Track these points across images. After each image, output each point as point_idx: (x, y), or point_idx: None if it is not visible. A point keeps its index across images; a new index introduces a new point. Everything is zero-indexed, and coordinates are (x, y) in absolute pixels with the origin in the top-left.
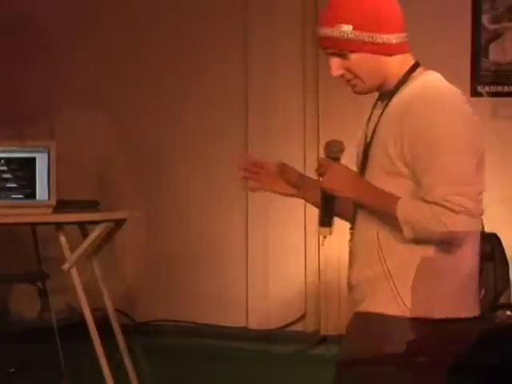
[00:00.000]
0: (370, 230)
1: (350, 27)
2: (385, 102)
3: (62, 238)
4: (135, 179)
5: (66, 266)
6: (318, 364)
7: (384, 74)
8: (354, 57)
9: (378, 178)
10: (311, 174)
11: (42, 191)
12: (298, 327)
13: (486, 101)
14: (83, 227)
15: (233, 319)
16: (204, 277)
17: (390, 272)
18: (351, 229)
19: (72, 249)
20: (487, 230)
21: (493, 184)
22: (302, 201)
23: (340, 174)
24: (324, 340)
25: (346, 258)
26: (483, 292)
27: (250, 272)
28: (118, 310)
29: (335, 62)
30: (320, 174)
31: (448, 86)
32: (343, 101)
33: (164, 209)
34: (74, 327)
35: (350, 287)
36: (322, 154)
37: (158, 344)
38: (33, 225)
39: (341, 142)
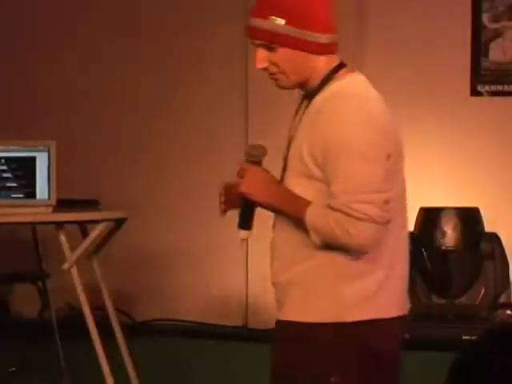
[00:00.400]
0: (287, 233)
1: (283, 21)
2: (307, 103)
3: (62, 238)
4: (135, 178)
5: (66, 266)
6: None
7: (309, 72)
8: (282, 51)
9: (295, 181)
10: None
11: (42, 190)
12: None
13: (486, 100)
14: (83, 226)
15: (232, 318)
16: (204, 276)
17: (302, 276)
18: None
19: (72, 248)
20: (487, 229)
21: (493, 184)
22: None
23: (256, 178)
24: None
25: None
26: (483, 291)
27: (250, 272)
28: (118, 310)
29: (262, 53)
30: (241, 178)
31: (365, 91)
32: None
33: (165, 208)
34: (74, 326)
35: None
36: None
37: (158, 343)
38: (33, 224)
39: (262, 146)
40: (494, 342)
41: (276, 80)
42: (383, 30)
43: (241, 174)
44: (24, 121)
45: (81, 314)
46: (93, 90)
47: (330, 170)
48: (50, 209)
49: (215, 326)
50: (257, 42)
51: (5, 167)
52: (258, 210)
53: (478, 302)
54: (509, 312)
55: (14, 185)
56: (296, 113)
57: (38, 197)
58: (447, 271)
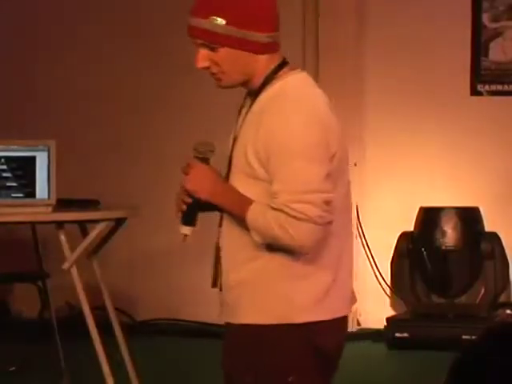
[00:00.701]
0: (234, 233)
1: (223, 21)
2: (250, 102)
3: (62, 237)
4: (135, 178)
5: (66, 265)
6: None
7: (251, 71)
8: (222, 51)
9: (239, 180)
10: None
11: (41, 190)
12: None
13: (486, 99)
14: (83, 226)
15: None
16: (204, 276)
17: (252, 278)
18: (220, 226)
19: (72, 248)
20: (487, 229)
21: (493, 184)
22: None
23: (201, 175)
24: None
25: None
26: (483, 291)
27: None
28: (117, 309)
29: (203, 53)
30: (186, 174)
31: (308, 90)
32: (342, 102)
33: (165, 208)
34: (73, 326)
35: (219, 288)
36: None
37: (158, 343)
38: (33, 224)
39: (211, 143)
40: (494, 341)
41: (218, 80)
42: (383, 30)
43: (186, 171)
44: (24, 120)
45: (81, 314)
46: (93, 90)
47: (273, 169)
48: (50, 208)
49: (215, 325)
50: (198, 41)
51: (5, 167)
52: None
53: (477, 302)
54: (509, 311)
55: (14, 184)
56: (240, 111)
57: (37, 196)
58: (447, 271)
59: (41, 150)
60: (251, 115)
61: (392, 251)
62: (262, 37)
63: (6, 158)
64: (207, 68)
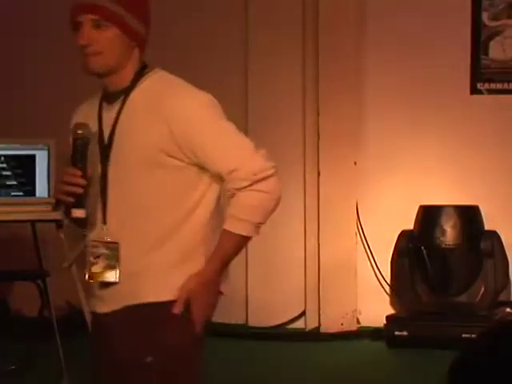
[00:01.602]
0: (134, 226)
1: (121, 5)
2: (121, 98)
3: (62, 236)
4: None
5: (66, 264)
6: (317, 362)
7: (124, 62)
8: (110, 32)
9: (139, 172)
10: (311, 173)
11: (41, 188)
12: (298, 324)
13: (485, 98)
14: None
15: (233, 316)
16: None
17: (154, 264)
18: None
19: (72, 246)
20: (487, 227)
21: (492, 182)
22: (302, 199)
23: (201, 300)
24: (324, 337)
25: (346, 256)
26: (483, 289)
27: (250, 269)
28: None
29: (89, 31)
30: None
31: (182, 80)
32: (342, 101)
33: None
34: (73, 325)
35: (108, 284)
36: (322, 153)
37: None
38: (33, 222)
39: (86, 124)
40: (495, 340)
41: (92, 62)
42: (383, 29)
43: (185, 303)
44: (24, 119)
45: (81, 313)
46: (93, 89)
47: (205, 157)
48: (50, 207)
49: (215, 323)
50: (87, 16)
51: (4, 165)
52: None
53: (477, 300)
54: (509, 310)
55: (14, 183)
56: (99, 114)
57: (37, 195)
58: (447, 269)
59: (41, 148)
60: (133, 111)
61: (392, 249)
62: (143, 31)
63: (6, 156)
64: (86, 47)
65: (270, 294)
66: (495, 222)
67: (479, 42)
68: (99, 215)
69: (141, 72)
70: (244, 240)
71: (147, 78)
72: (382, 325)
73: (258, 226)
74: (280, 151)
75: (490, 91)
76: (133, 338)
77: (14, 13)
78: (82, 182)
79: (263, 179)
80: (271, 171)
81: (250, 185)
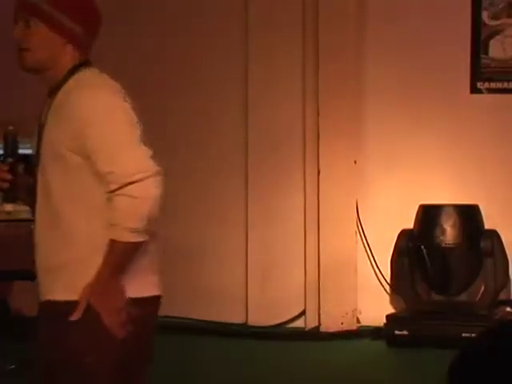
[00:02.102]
0: (50, 226)
1: (49, 2)
2: (54, 94)
3: None
4: None
5: None
6: (317, 361)
7: (56, 59)
8: (38, 29)
9: (52, 171)
10: (311, 172)
11: None
12: (298, 324)
13: (485, 97)
14: None
15: (233, 316)
16: (204, 273)
17: (70, 261)
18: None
19: None
20: (487, 226)
21: (492, 181)
22: (302, 198)
23: (106, 300)
24: (324, 336)
25: (346, 255)
26: (483, 288)
27: (250, 269)
28: None
29: (20, 27)
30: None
31: (106, 82)
32: (342, 100)
33: (164, 205)
34: None
35: (36, 274)
36: (322, 152)
37: (158, 340)
38: (33, 221)
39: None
40: (494, 339)
41: (22, 58)
42: (383, 28)
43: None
44: (23, 119)
45: None
46: None
47: (92, 155)
48: None
49: (215, 323)
50: (21, 14)
51: None
52: (255, 210)
53: (477, 299)
54: (509, 309)
55: None
56: (45, 104)
57: None
58: (447, 268)
59: None
60: (54, 107)
61: (392, 249)
62: (76, 29)
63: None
64: (19, 42)
65: (270, 293)
66: (495, 221)
67: (479, 41)
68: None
69: (73, 70)
70: (125, 245)
71: (75, 77)
72: (382, 324)
73: (134, 231)
74: (280, 150)
75: (490, 90)
76: (45, 332)
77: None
78: (8, 176)
79: (133, 183)
80: (145, 174)
81: (119, 188)
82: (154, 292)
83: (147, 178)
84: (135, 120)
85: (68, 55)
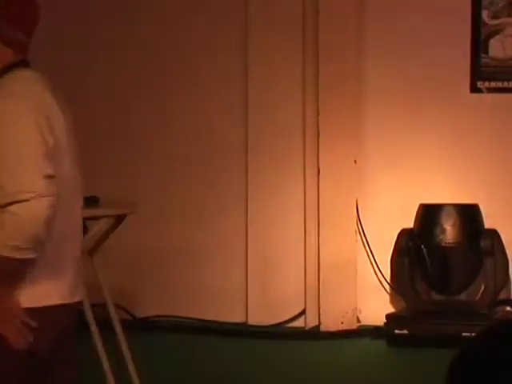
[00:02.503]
0: None
1: None
2: None
3: None
4: (135, 175)
5: None
6: (317, 360)
7: None
8: None
9: None
10: (311, 172)
11: None
12: (298, 323)
13: (485, 96)
14: (83, 223)
15: (233, 315)
16: (204, 273)
17: None
18: None
19: None
20: (487, 226)
21: (492, 181)
22: (302, 197)
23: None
24: (324, 336)
25: (346, 254)
26: (483, 288)
27: (250, 268)
28: (118, 306)
29: None
30: None
31: (21, 87)
32: (342, 100)
33: (164, 205)
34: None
35: None
36: (321, 151)
37: (158, 340)
38: None
39: None
40: (495, 339)
41: None
42: (383, 28)
43: None
44: None
45: (81, 310)
46: (92, 87)
47: None
48: None
49: (215, 322)
50: None
51: None
52: (255, 209)
53: (477, 299)
54: (509, 308)
55: None
56: None
57: None
58: (447, 268)
59: None
60: None
61: (392, 248)
62: (19, 36)
63: None
64: None
65: (270, 292)
66: (495, 221)
67: (479, 41)
68: None
69: (3, 71)
70: (7, 260)
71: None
72: (382, 323)
73: (16, 248)
74: (280, 150)
75: (490, 90)
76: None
77: None
78: None
79: (22, 201)
80: (35, 194)
81: (7, 205)
82: (56, 301)
83: (36, 197)
84: (44, 133)
85: (1, 58)
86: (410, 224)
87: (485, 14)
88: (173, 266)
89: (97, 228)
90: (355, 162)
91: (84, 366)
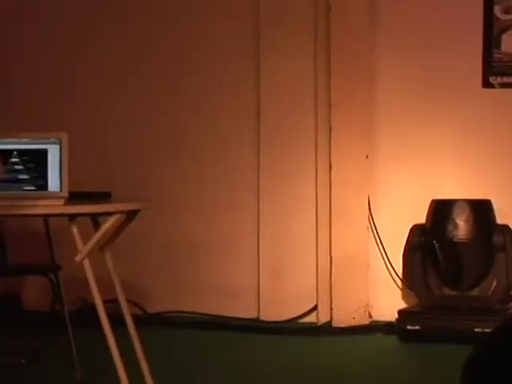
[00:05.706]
0: None
1: None
2: None
3: (75, 230)
4: (147, 170)
5: (78, 258)
6: (328, 356)
7: None
8: None
9: None
10: (323, 167)
11: (53, 183)
12: (310, 318)
13: (497, 92)
14: (95, 219)
15: (244, 311)
16: (216, 268)
17: None
18: None
19: (84, 240)
20: (499, 221)
21: (504, 176)
22: (314, 193)
23: None
24: (335, 331)
25: (358, 250)
26: (495, 283)
27: (262, 263)
28: (129, 302)
29: None
30: None
31: None
32: (354, 94)
33: (176, 200)
34: (86, 318)
35: None
36: (333, 147)
37: (170, 335)
38: (45, 216)
39: None
40: (509, 336)
41: None
42: (394, 23)
43: None
44: (36, 113)
45: (93, 306)
46: (104, 81)
47: None
48: (62, 201)
49: (227, 317)
50: None
51: (17, 159)
52: (267, 204)
53: (490, 294)
54: None
55: (26, 177)
56: None
57: (49, 189)
58: (459, 263)
59: (52, 142)
60: None
61: (404, 244)
62: None
63: (18, 150)
64: None
65: (282, 288)
66: (507, 216)
67: (491, 36)
68: None
69: None
70: None
71: None
72: (394, 319)
73: None
74: (292, 145)
75: (502, 85)
76: None
77: (28, 9)
78: None
79: None
80: None
81: None
82: None
83: None
84: None
85: None
86: (422, 219)
87: (497, 9)
88: (185, 261)
89: (109, 224)
90: (367, 157)
91: (96, 361)
